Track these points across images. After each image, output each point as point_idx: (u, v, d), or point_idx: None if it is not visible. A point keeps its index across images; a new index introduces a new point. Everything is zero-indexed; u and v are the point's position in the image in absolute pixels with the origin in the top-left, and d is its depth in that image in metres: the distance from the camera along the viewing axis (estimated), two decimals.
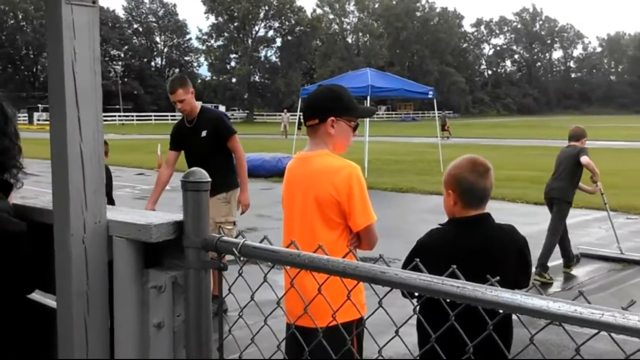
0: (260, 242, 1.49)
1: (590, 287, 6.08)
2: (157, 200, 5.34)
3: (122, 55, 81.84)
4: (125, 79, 75.36)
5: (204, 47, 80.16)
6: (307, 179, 2.61)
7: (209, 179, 1.55)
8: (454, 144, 26.80)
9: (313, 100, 2.69)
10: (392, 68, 75.97)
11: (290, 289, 2.76)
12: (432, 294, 1.14)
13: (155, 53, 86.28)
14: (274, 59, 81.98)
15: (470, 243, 2.41)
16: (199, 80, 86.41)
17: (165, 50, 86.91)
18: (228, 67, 78.62)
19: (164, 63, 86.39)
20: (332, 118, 2.60)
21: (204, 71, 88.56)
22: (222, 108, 74.57)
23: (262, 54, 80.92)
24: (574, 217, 9.79)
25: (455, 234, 2.45)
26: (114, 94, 70.48)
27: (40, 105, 62.26)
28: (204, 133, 5.12)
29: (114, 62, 79.37)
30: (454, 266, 1.17)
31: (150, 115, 63.57)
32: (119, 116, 60.67)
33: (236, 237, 1.56)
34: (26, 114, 58.87)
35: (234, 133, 5.22)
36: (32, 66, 76.84)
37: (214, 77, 79.60)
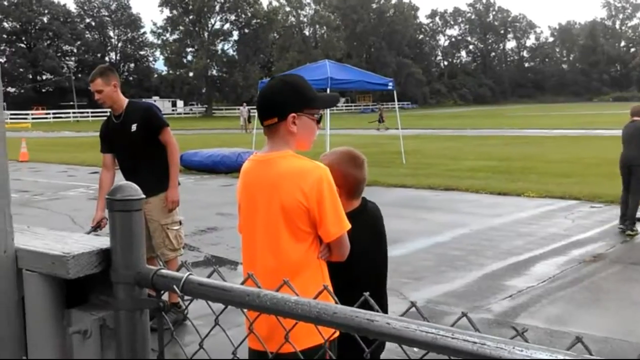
0: (209, 275, 1.19)
1: (563, 280, 5.93)
2: (104, 207, 4.94)
3: (75, 50, 79.53)
4: (79, 75, 73.06)
5: (159, 41, 78.50)
6: (270, 184, 2.28)
7: (142, 196, 1.23)
8: (416, 135, 26.76)
9: (269, 96, 2.37)
10: (350, 60, 75.82)
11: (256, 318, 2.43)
12: (438, 350, 0.85)
13: (109, 48, 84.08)
14: (231, 52, 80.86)
15: (367, 227, 2.70)
16: (156, 75, 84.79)
17: (120, 44, 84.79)
18: (185, 61, 77.18)
19: (118, 58, 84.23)
20: (293, 114, 2.29)
21: (160, 65, 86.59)
22: (180, 103, 73.32)
23: (219, 47, 79.69)
24: (540, 207, 9.71)
25: (354, 228, 2.39)
26: (67, 90, 68.55)
27: None
28: (133, 127, 4.73)
29: (67, 58, 77.05)
30: None
31: (106, 111, 61.09)
32: (74, 113, 58.95)
33: (179, 269, 1.25)
34: None
35: (166, 125, 4.83)
36: None
37: (171, 72, 78.02)
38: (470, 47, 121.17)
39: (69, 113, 59.05)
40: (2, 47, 74.22)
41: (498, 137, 25.94)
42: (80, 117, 57.58)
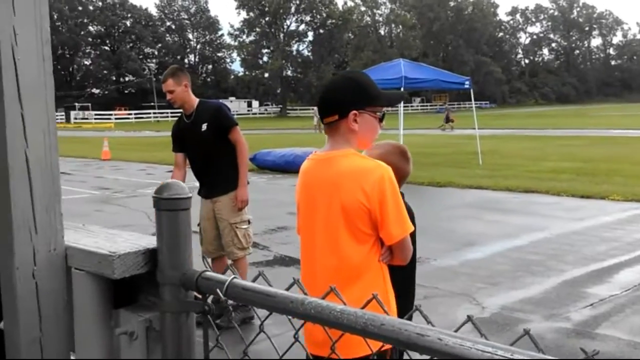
0: (254, 279, 1.12)
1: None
2: None
3: (156, 52, 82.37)
4: (160, 77, 75.70)
5: (236, 43, 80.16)
6: (330, 184, 2.20)
7: (189, 195, 1.18)
8: (493, 135, 26.03)
9: (330, 93, 2.29)
10: (426, 59, 74.75)
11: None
12: None
13: (188, 50, 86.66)
14: (306, 52, 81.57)
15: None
16: (232, 76, 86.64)
17: (198, 47, 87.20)
18: (260, 62, 78.48)
19: (197, 60, 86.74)
20: (355, 112, 2.20)
21: (236, 67, 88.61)
22: (255, 103, 74.57)
23: (294, 48, 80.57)
24: (625, 211, 9.22)
25: None
26: (148, 91, 71.10)
27: (76, 104, 63.13)
28: (204, 127, 4.76)
29: (148, 60, 79.96)
30: None
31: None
32: (154, 113, 61.03)
33: (225, 271, 1.19)
34: (63, 113, 59.68)
35: (235, 125, 4.85)
36: (69, 66, 77.93)
37: (247, 73, 79.57)
38: (553, 44, 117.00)
39: (149, 113, 61.20)
40: (87, 50, 77.88)
41: (582, 137, 24.84)
42: (161, 117, 59.49)
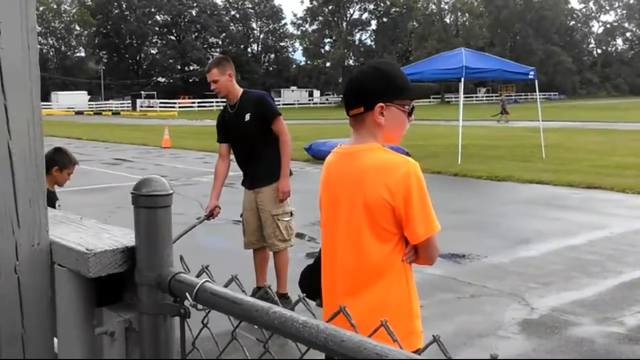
0: (227, 285, 1.05)
1: None
2: (219, 195, 5.05)
3: (220, 42, 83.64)
4: None
5: (298, 32, 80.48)
6: (353, 179, 2.11)
7: (170, 191, 1.12)
8: (560, 128, 25.14)
9: (356, 83, 2.18)
10: (493, 48, 72.92)
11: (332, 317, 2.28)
12: None
13: (251, 39, 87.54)
14: (368, 42, 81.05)
15: None
16: (294, 66, 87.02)
17: (261, 36, 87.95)
18: (322, 51, 78.45)
19: (259, 49, 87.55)
20: (381, 104, 2.10)
21: (298, 56, 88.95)
22: (316, 93, 74.66)
23: (357, 37, 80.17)
24: None
25: None
26: None
27: (143, 93, 64.88)
28: (247, 117, 4.74)
29: (212, 50, 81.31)
30: None
31: None
32: (216, 102, 61.98)
33: (200, 274, 1.13)
34: (130, 101, 61.48)
35: (278, 115, 4.81)
36: (136, 54, 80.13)
37: (309, 62, 79.71)
38: (627, 34, 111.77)
39: (212, 102, 62.15)
40: (154, 40, 79.83)
41: None
42: (223, 105, 60.34)
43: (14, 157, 1.18)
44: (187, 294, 1.02)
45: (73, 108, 56.92)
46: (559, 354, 4.09)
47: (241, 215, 5.01)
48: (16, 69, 1.18)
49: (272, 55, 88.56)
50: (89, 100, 64.12)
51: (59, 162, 4.22)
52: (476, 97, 72.07)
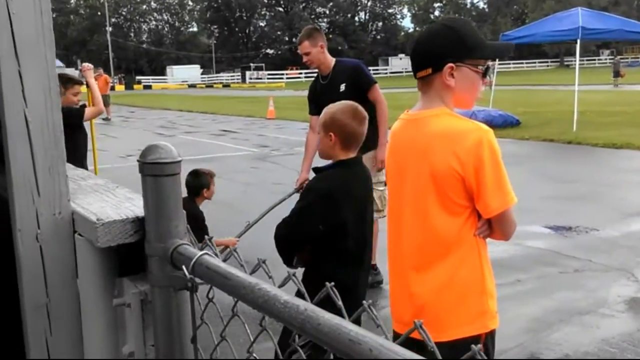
0: (225, 259, 0.97)
1: None
2: (310, 168, 5.00)
3: (327, 12, 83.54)
4: (330, 36, 76.93)
5: None
6: (419, 147, 1.95)
7: (177, 158, 1.06)
8: None
9: (423, 42, 2.01)
10: (618, 8, 67.50)
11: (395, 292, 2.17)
12: None
13: (359, 7, 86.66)
14: (481, 5, 77.89)
15: (363, 180, 2.74)
16: (402, 33, 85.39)
17: (369, 3, 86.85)
18: (432, 17, 76.31)
19: (367, 17, 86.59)
20: (451, 65, 1.92)
21: (407, 23, 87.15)
22: None
23: (469, 0, 77.21)
24: None
25: (351, 174, 2.65)
26: None
27: (251, 65, 66.30)
28: (342, 87, 4.61)
29: (319, 20, 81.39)
30: None
31: None
32: None
33: (203, 246, 1.06)
34: (240, 74, 63.05)
35: (374, 83, 4.68)
36: (246, 27, 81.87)
37: (417, 29, 77.93)
38: None
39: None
40: (263, 12, 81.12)
41: None
42: (314, 77, 60.39)
43: (30, 125, 1.16)
44: (184, 267, 0.96)
45: (186, 81, 59.26)
46: None
47: None
48: (29, 34, 1.15)
49: (380, 23, 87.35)
50: (201, 74, 66.48)
51: (204, 184, 4.42)
52: (599, 59, 67.44)
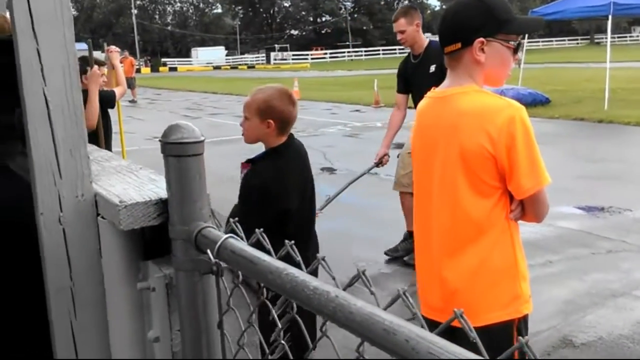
0: (253, 242, 0.94)
1: None
2: (390, 144, 4.97)
3: None
4: (355, 15, 76.31)
5: None
6: (448, 126, 1.89)
7: (200, 138, 1.02)
8: None
9: (453, 16, 1.93)
10: None
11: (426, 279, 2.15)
12: None
13: None
14: None
15: (298, 162, 2.67)
16: (428, 11, 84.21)
17: None
18: None
19: None
20: (481, 39, 1.84)
21: (433, 1, 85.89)
22: None
23: None
24: None
25: (285, 161, 2.60)
26: (344, 31, 72.03)
27: (276, 46, 66.12)
28: (432, 68, 4.56)
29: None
30: None
31: (379, 50, 63.54)
32: (348, 52, 61.82)
33: (227, 224, 1.03)
34: (264, 55, 62.93)
35: None
36: (270, 8, 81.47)
37: (443, 7, 76.77)
38: None
39: (344, 53, 62.05)
40: None
41: None
42: (355, 56, 60.15)
43: (50, 106, 1.14)
44: (208, 251, 0.92)
45: (211, 63, 59.31)
46: None
47: (398, 156, 4.99)
48: (47, 11, 1.12)
49: (406, 2, 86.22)
50: (226, 56, 66.52)
51: None
52: (630, 36, 65.77)
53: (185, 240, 1.03)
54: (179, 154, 1.01)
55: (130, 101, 19.83)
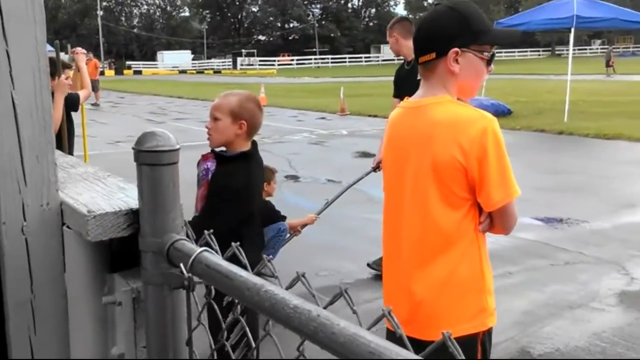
0: (228, 256, 0.91)
1: None
2: None
3: None
4: (323, 22, 76.60)
5: None
6: (422, 135, 1.88)
7: (176, 146, 0.99)
8: None
9: (428, 25, 1.93)
10: None
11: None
12: None
13: None
14: None
15: (260, 167, 2.74)
16: None
17: None
18: (425, 3, 76.10)
19: (360, 4, 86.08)
20: (456, 49, 1.84)
21: (400, 10, 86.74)
22: None
23: None
24: None
25: (255, 166, 2.65)
26: (311, 37, 72.21)
27: (243, 51, 65.88)
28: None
29: (312, 6, 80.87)
30: None
31: (345, 58, 63.91)
32: (315, 59, 61.93)
33: (199, 238, 1.00)
34: (231, 60, 62.63)
35: None
36: (238, 13, 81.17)
37: (410, 15, 77.67)
38: None
39: (310, 59, 62.13)
40: None
41: None
42: (321, 63, 60.29)
43: (18, 109, 1.09)
44: (181, 265, 0.89)
45: (177, 67, 58.75)
46: None
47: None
48: (18, 11, 1.07)
49: (373, 10, 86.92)
50: (192, 60, 65.99)
51: (268, 178, 4.45)
52: (590, 49, 67.54)
53: (156, 252, 0.99)
54: (153, 162, 0.98)
55: (92, 104, 19.47)
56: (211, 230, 0.98)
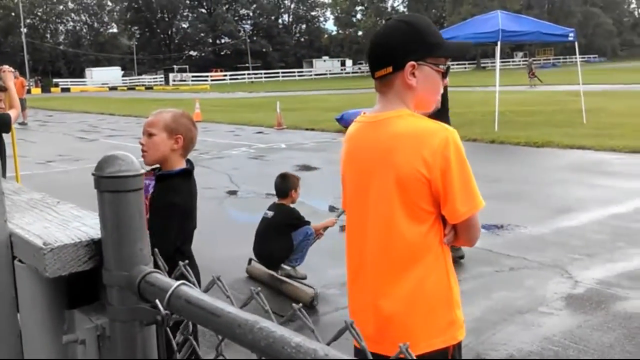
0: (207, 289, 0.84)
1: None
2: None
3: (251, 14, 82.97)
4: (254, 38, 76.55)
5: (329, 1, 79.31)
6: (381, 150, 1.85)
7: (140, 171, 0.91)
8: (602, 92, 24.20)
9: (383, 40, 1.91)
10: (531, 11, 70.42)
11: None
12: None
13: (282, 10, 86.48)
14: (401, 8, 79.38)
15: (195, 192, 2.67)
16: (325, 36, 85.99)
17: (292, 6, 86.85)
18: (354, 20, 77.27)
19: (291, 20, 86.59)
20: (413, 63, 1.83)
21: (330, 26, 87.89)
22: (348, 62, 73.79)
23: (389, 4, 78.59)
24: None
25: (194, 184, 2.64)
26: (243, 53, 72.01)
27: (175, 67, 65.02)
28: None
29: (243, 22, 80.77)
30: None
31: (278, 72, 64.10)
32: (248, 74, 61.76)
33: (176, 273, 0.92)
34: (162, 76, 61.68)
35: None
36: (168, 29, 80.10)
37: (340, 31, 78.67)
38: None
39: (244, 75, 61.94)
40: (185, 13, 79.76)
41: None
42: (255, 78, 60.18)
43: None
44: (157, 301, 0.81)
45: (107, 84, 57.35)
46: (606, 331, 3.83)
47: None
48: None
49: (303, 26, 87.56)
50: (123, 76, 64.57)
51: (292, 186, 4.79)
52: (513, 61, 70.22)
53: (123, 287, 0.91)
54: (116, 189, 0.90)
55: (20, 123, 18.70)
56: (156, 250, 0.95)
